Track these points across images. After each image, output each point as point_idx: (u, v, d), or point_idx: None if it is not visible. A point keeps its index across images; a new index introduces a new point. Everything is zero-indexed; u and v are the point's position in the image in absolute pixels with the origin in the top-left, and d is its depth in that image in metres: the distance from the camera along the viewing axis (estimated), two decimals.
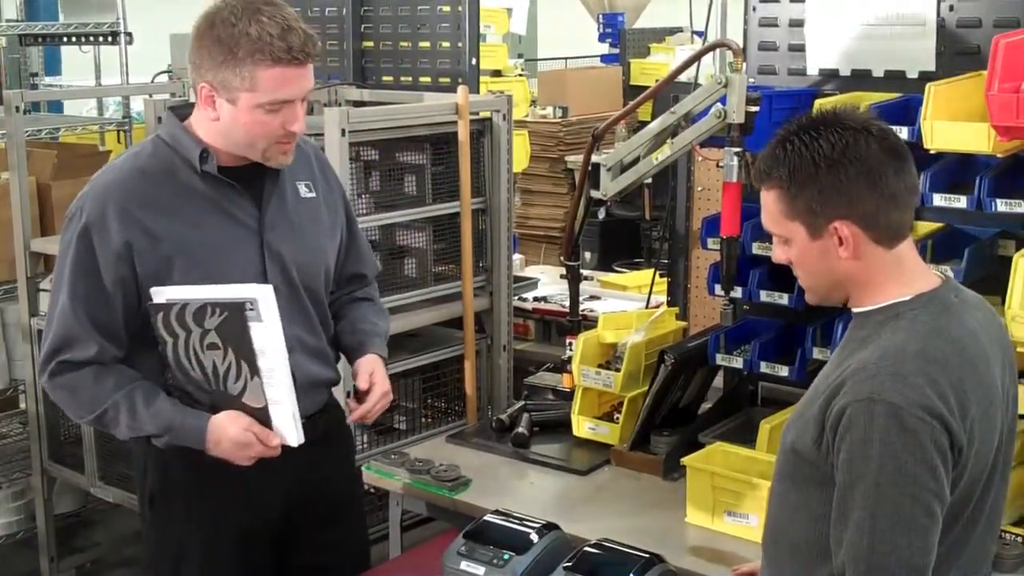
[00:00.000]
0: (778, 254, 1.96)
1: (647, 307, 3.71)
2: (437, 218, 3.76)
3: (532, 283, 4.63)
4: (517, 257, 4.80)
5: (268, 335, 2.26)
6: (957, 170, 2.82)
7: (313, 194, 2.54)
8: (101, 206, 2.34)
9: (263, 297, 2.25)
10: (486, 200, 3.86)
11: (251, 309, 2.24)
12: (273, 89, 2.29)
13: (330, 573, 2.66)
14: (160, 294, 2.32)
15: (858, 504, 1.78)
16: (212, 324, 2.27)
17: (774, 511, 2.01)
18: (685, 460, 2.79)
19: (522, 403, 3.47)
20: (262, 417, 2.33)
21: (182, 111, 2.45)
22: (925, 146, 2.70)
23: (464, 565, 2.44)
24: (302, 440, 2.34)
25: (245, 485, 2.45)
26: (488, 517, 2.58)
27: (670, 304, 3.63)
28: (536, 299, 4.61)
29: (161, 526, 2.55)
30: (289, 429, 2.33)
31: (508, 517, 2.56)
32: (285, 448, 2.37)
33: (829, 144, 1.82)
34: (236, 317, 2.25)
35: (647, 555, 2.38)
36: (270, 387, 2.30)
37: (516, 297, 4.23)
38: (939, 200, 2.72)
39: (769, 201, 1.90)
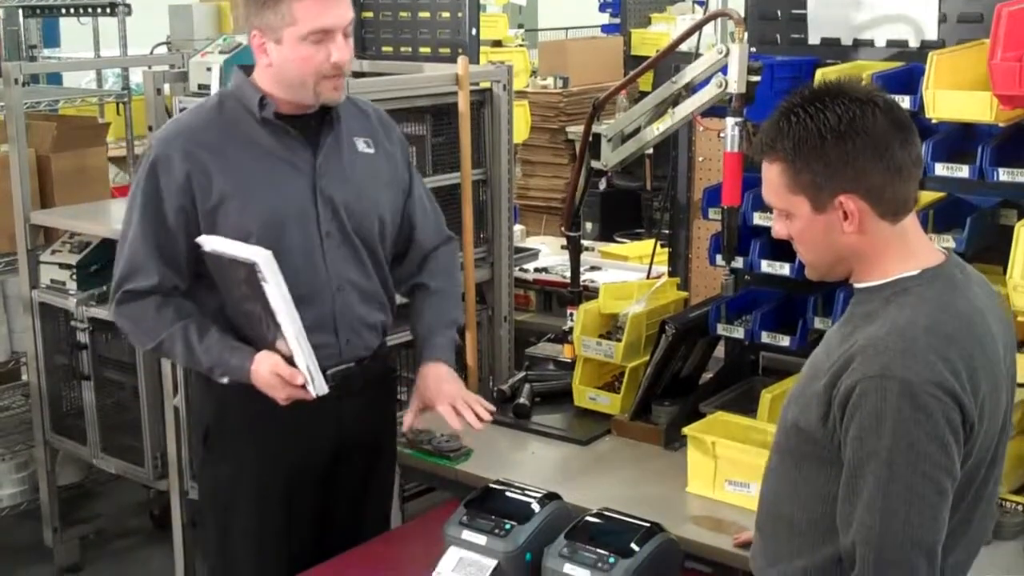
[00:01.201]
0: (778, 229, 1.93)
1: (648, 277, 3.71)
2: (437, 189, 3.73)
3: (533, 254, 4.63)
4: (518, 228, 4.80)
5: (277, 295, 2.37)
6: (959, 139, 2.81)
7: (371, 150, 2.67)
8: (167, 145, 2.51)
9: (263, 261, 2.34)
10: (486, 171, 3.86)
11: (259, 271, 2.35)
12: (312, 19, 2.43)
13: (361, 521, 2.77)
14: (206, 243, 2.46)
15: (869, 482, 1.77)
16: (241, 277, 2.41)
17: (773, 487, 2.00)
18: (686, 430, 2.80)
19: (523, 374, 3.47)
20: (291, 362, 2.44)
21: (249, 69, 2.59)
22: (927, 115, 2.69)
23: (466, 535, 2.44)
24: (324, 391, 2.44)
25: (296, 425, 2.57)
26: (489, 487, 2.59)
27: (671, 274, 3.63)
28: (537, 270, 4.62)
29: (214, 463, 2.68)
30: (310, 379, 2.43)
31: (509, 487, 2.56)
32: (330, 385, 2.48)
33: (835, 116, 1.80)
34: (251, 275, 2.37)
35: (647, 524, 2.38)
36: (289, 340, 2.40)
37: (517, 268, 4.23)
38: (941, 170, 2.72)
39: (772, 174, 1.87)
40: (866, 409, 1.76)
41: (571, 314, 3.41)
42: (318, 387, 2.43)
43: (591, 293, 3.70)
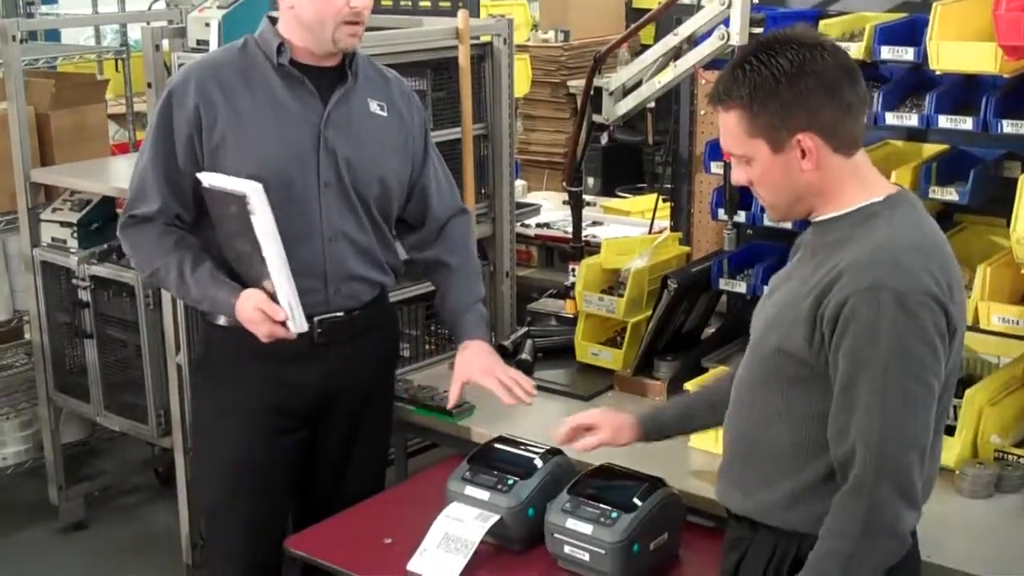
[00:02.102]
0: (738, 175, 2.00)
1: (650, 232, 3.69)
2: (439, 144, 3.70)
3: (534, 209, 4.62)
4: (519, 183, 4.78)
5: (264, 228, 2.42)
6: (963, 91, 2.80)
7: (384, 114, 2.72)
8: (185, 77, 2.61)
9: (252, 193, 2.40)
10: (487, 126, 3.83)
11: (248, 203, 2.40)
12: None
13: (348, 467, 2.82)
14: (205, 178, 2.52)
15: (865, 389, 1.85)
16: (233, 211, 2.46)
17: (748, 421, 2.06)
18: (688, 385, 2.80)
19: (525, 329, 3.48)
20: (274, 299, 2.50)
21: (276, 19, 2.66)
22: (931, 67, 2.68)
23: (468, 490, 2.46)
24: (303, 328, 2.50)
25: (279, 368, 2.65)
26: (491, 442, 2.60)
27: (673, 229, 3.62)
28: (539, 225, 4.61)
29: (201, 396, 2.85)
30: (291, 316, 2.48)
31: (512, 442, 2.57)
32: (307, 336, 2.56)
33: (787, 60, 1.89)
34: (241, 208, 2.42)
35: (650, 479, 2.40)
36: (273, 276, 2.45)
37: (518, 223, 4.21)
38: (944, 122, 2.70)
39: (730, 122, 1.94)
40: (860, 321, 1.84)
41: (573, 269, 3.41)
42: (298, 324, 2.48)
43: (593, 248, 3.69)
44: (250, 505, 2.71)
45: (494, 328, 3.89)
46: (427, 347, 3.84)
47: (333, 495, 2.79)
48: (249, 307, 2.51)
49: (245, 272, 2.56)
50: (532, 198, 5.06)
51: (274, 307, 2.48)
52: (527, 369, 3.25)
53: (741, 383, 2.09)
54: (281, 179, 2.54)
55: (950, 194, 2.75)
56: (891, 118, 2.79)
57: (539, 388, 3.14)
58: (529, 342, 3.37)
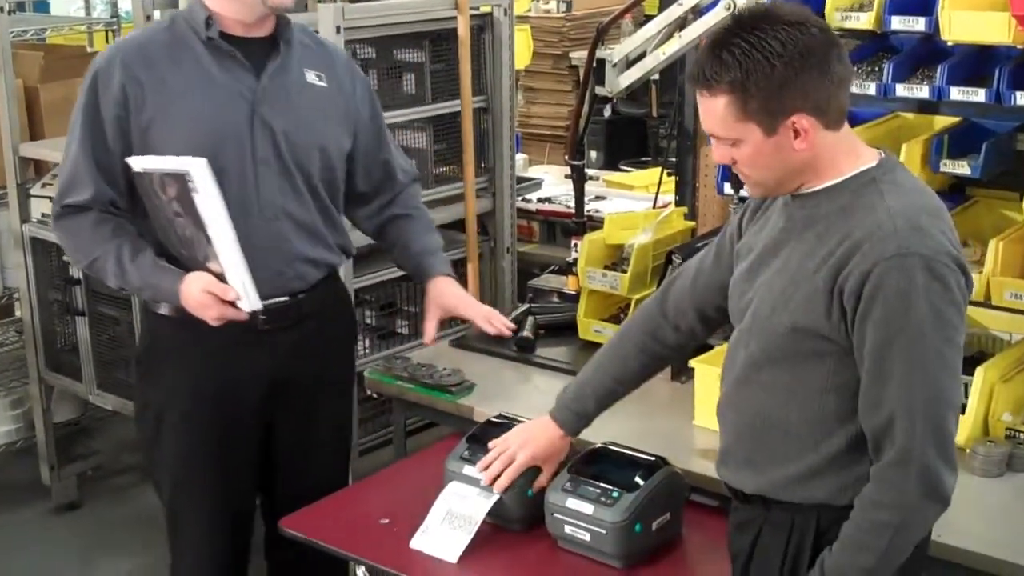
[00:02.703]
0: (722, 155, 1.98)
1: (654, 207, 3.69)
2: (437, 118, 3.73)
3: (536, 183, 4.61)
4: (520, 157, 4.77)
5: (210, 205, 2.38)
6: (975, 62, 2.78)
7: (323, 84, 2.66)
8: (110, 59, 2.54)
9: (196, 169, 2.36)
10: (488, 98, 3.83)
11: (191, 181, 2.36)
12: None
13: (311, 453, 2.78)
14: (136, 163, 2.47)
15: (901, 358, 1.86)
16: (172, 194, 2.41)
17: (755, 402, 2.06)
18: (693, 362, 2.80)
19: (526, 306, 3.47)
20: (222, 280, 2.46)
21: None
22: (943, 37, 2.66)
23: (467, 469, 2.46)
24: (256, 306, 2.46)
25: (224, 356, 2.61)
26: (491, 421, 2.60)
27: (678, 203, 3.62)
28: (540, 200, 4.61)
29: (144, 386, 2.75)
30: (243, 294, 2.44)
31: (512, 421, 2.57)
32: (260, 318, 2.53)
33: (778, 41, 1.86)
34: (183, 188, 2.38)
35: (652, 458, 2.40)
36: (221, 254, 2.41)
37: (519, 198, 4.22)
38: (956, 94, 2.69)
39: (718, 107, 1.92)
40: (889, 289, 1.85)
41: (575, 245, 3.41)
42: (252, 302, 2.44)
43: (596, 223, 3.68)
44: (208, 498, 2.69)
45: (494, 304, 3.89)
46: None
47: (297, 483, 2.76)
48: (196, 290, 2.45)
49: (188, 256, 2.50)
50: (533, 172, 5.07)
51: (223, 287, 2.43)
52: (528, 346, 3.25)
53: (744, 363, 2.07)
54: (216, 159, 2.46)
55: (962, 167, 2.74)
56: (901, 90, 2.78)
57: (541, 366, 3.17)
58: (530, 319, 3.36)
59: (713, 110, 1.93)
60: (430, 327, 2.80)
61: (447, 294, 2.80)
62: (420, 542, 2.38)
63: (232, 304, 2.44)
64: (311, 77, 2.63)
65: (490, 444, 2.45)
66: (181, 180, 2.37)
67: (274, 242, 2.59)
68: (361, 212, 2.87)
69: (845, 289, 1.89)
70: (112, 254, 2.53)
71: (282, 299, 2.62)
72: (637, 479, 2.32)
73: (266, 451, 2.76)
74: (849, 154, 1.97)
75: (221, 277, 2.44)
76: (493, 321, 2.78)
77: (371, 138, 2.78)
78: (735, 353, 2.11)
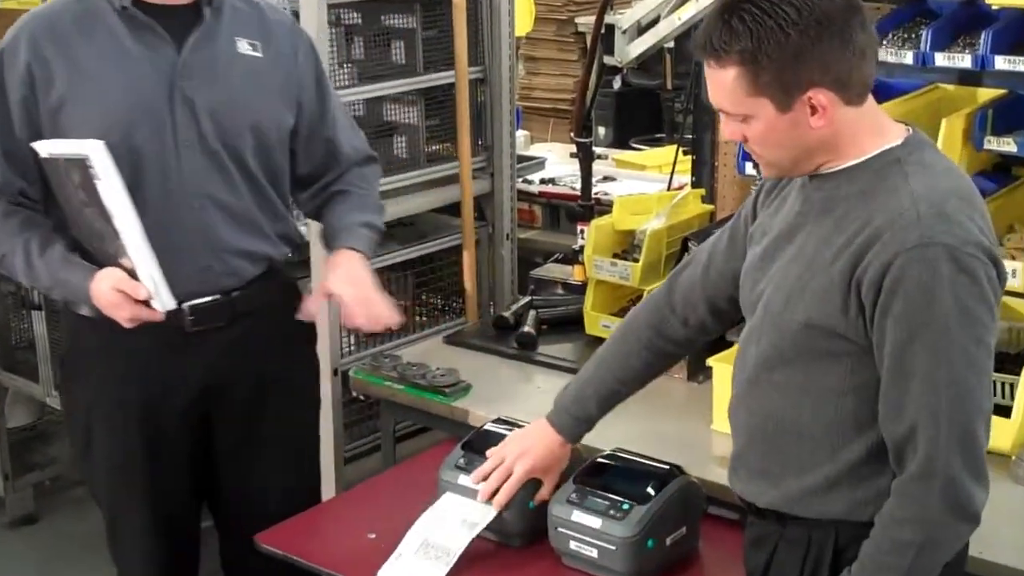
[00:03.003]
0: (731, 131, 1.98)
1: (669, 189, 3.69)
2: (429, 90, 3.72)
3: (538, 163, 4.62)
4: (521, 134, 4.77)
5: (112, 193, 2.36)
6: (1023, 28, 2.78)
7: (258, 54, 2.60)
8: (16, 34, 2.51)
9: (94, 152, 2.33)
10: (485, 69, 3.82)
11: (91, 166, 2.34)
12: None
13: (256, 461, 2.76)
14: (41, 148, 2.44)
15: (923, 359, 1.84)
16: (76, 181, 2.39)
17: (766, 405, 2.06)
18: (711, 360, 2.81)
19: (528, 299, 3.48)
20: (134, 277, 2.43)
21: None
22: (987, 0, 2.66)
23: (462, 479, 2.45)
24: (170, 306, 2.42)
25: (150, 359, 2.59)
26: (489, 426, 2.60)
27: (695, 185, 3.61)
28: (543, 181, 4.61)
29: (69, 392, 2.77)
30: (155, 292, 2.41)
31: (511, 426, 2.57)
32: (188, 319, 2.53)
33: (793, 9, 1.85)
34: (84, 174, 2.35)
35: (667, 466, 2.40)
36: (129, 248, 2.39)
37: (520, 179, 4.21)
38: (1002, 63, 2.69)
39: (727, 79, 1.90)
40: (910, 282, 1.83)
41: (582, 231, 3.42)
42: (164, 301, 2.41)
43: (604, 207, 3.68)
44: (146, 506, 2.69)
45: (492, 298, 3.91)
46: (418, 319, 3.85)
47: (242, 492, 2.76)
48: (106, 288, 2.42)
49: (100, 250, 2.47)
50: (535, 151, 5.06)
51: (134, 285, 2.40)
52: (529, 343, 3.26)
53: (755, 362, 2.07)
54: (132, 141, 2.45)
55: (1007, 145, 2.74)
56: (941, 59, 2.78)
57: (544, 365, 3.18)
58: (532, 313, 3.37)
59: (721, 83, 1.91)
60: (311, 304, 2.65)
61: (336, 272, 2.61)
62: (391, 570, 2.36)
63: (146, 303, 2.41)
64: (243, 46, 2.58)
65: (488, 453, 2.45)
66: (82, 166, 2.34)
67: (201, 233, 2.55)
68: (303, 195, 2.80)
69: (863, 282, 1.88)
70: (20, 248, 2.50)
71: (212, 297, 2.59)
72: (649, 490, 2.32)
73: (204, 461, 2.76)
74: (872, 131, 1.96)
75: (133, 273, 2.41)
76: (370, 308, 2.57)
77: (314, 113, 2.72)
78: (746, 350, 2.10)
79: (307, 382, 2.90)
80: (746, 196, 3.28)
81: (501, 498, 2.39)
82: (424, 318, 3.85)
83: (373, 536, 2.51)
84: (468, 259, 3.79)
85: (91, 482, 2.79)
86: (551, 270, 3.61)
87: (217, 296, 2.60)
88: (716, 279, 2.25)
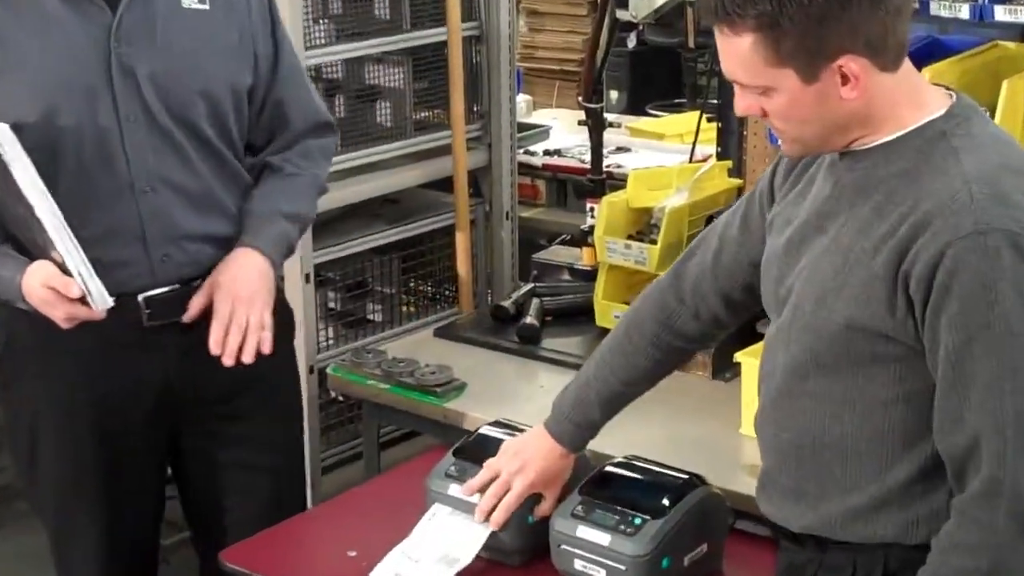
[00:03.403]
0: (746, 105, 1.95)
1: (691, 160, 3.70)
2: (418, 49, 3.72)
3: (542, 132, 4.63)
4: (522, 99, 4.78)
5: (26, 181, 2.36)
6: None
7: (204, 6, 2.59)
8: None
9: (0, 138, 2.33)
10: (481, 25, 3.82)
11: (0, 151, 2.34)
12: None
13: (227, 474, 2.77)
14: None
15: (985, 363, 1.82)
16: None
17: (801, 418, 2.04)
18: (739, 355, 2.81)
19: (530, 286, 3.48)
20: (66, 272, 2.42)
21: None
22: None
23: (453, 490, 2.46)
24: (106, 304, 2.41)
25: (100, 362, 2.59)
26: (485, 430, 2.60)
27: (720, 157, 3.61)
28: (547, 153, 4.62)
29: (9, 396, 2.74)
30: (86, 290, 2.40)
31: (510, 430, 2.57)
32: (133, 319, 2.53)
33: None
34: None
35: (686, 476, 2.39)
36: (54, 241, 2.38)
37: (521, 150, 4.23)
38: None
39: (743, 48, 1.89)
40: (966, 276, 1.81)
41: (591, 209, 3.42)
42: (97, 299, 2.40)
43: (617, 182, 3.69)
44: (97, 532, 2.70)
45: (489, 285, 3.91)
46: (405, 309, 3.86)
47: (226, 513, 2.77)
48: (36, 285, 2.42)
49: (31, 242, 2.47)
50: (539, 118, 5.08)
51: (65, 281, 2.39)
52: (532, 336, 3.25)
53: (785, 369, 2.05)
54: (65, 119, 2.44)
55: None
56: (1001, 13, 2.78)
57: (548, 361, 3.18)
58: (535, 302, 3.37)
59: (737, 52, 1.89)
60: (194, 304, 2.59)
61: (221, 274, 2.59)
62: None
63: (83, 300, 2.40)
64: (188, 0, 2.58)
65: (486, 464, 2.44)
66: None
67: (154, 220, 2.55)
68: (248, 162, 2.76)
69: (912, 277, 1.85)
70: None
71: (170, 287, 2.59)
72: (665, 501, 2.32)
73: (177, 469, 2.77)
74: (911, 100, 1.94)
75: (64, 267, 2.41)
76: (232, 332, 2.53)
77: (265, 69, 2.70)
78: (773, 355, 2.09)
79: (285, 382, 2.90)
80: None
81: (499, 517, 2.39)
82: (412, 308, 3.86)
83: (353, 555, 2.51)
84: (462, 241, 3.80)
85: (35, 499, 2.80)
86: (556, 253, 3.61)
87: (176, 286, 2.59)
88: (729, 267, 2.24)
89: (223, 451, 2.75)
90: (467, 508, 2.43)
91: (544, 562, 2.39)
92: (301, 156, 2.77)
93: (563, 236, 3.78)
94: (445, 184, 3.82)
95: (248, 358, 2.54)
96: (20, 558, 4.21)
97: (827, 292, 1.96)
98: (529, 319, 3.30)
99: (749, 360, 2.76)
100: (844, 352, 1.96)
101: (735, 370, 2.88)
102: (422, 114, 3.82)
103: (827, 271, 1.96)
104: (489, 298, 3.85)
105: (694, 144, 3.75)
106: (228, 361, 2.53)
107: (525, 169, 4.34)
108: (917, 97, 1.94)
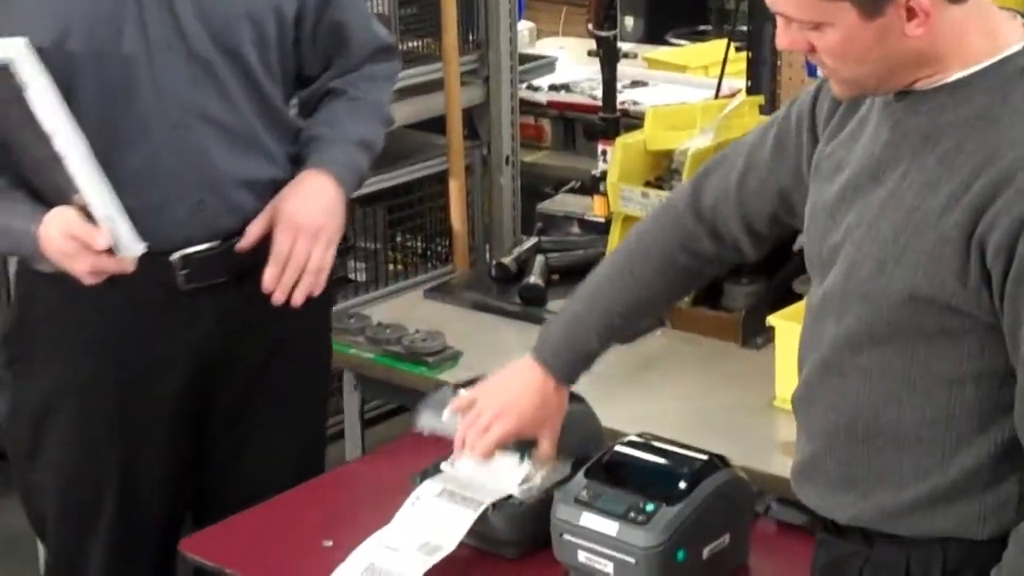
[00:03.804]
0: (790, 40, 1.94)
1: (717, 96, 3.69)
2: None
3: (547, 64, 4.62)
4: (524, 26, 4.78)
5: (45, 107, 2.35)
6: None
7: None
8: None
9: (16, 55, 2.33)
10: None
11: (15, 73, 2.33)
12: None
13: (259, 467, 2.79)
14: None
15: None
16: (5, 95, 2.37)
17: (854, 398, 2.03)
18: (773, 318, 2.82)
19: (534, 240, 3.49)
20: (90, 218, 2.41)
21: None
22: None
23: (442, 471, 2.47)
24: (137, 251, 2.42)
25: (131, 332, 2.59)
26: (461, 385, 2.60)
27: (751, 91, 3.62)
28: (553, 88, 4.62)
29: (16, 378, 2.72)
30: (116, 234, 2.40)
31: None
32: (166, 280, 2.53)
33: None
34: (10, 86, 2.34)
35: (705, 456, 2.38)
36: (76, 179, 2.38)
37: (523, 85, 4.23)
38: None
39: None
40: None
41: (604, 152, 3.42)
42: (125, 246, 2.40)
43: (633, 120, 3.69)
44: (105, 532, 2.70)
45: (488, 240, 3.91)
46: (391, 267, 3.87)
47: (245, 499, 2.75)
48: (55, 234, 2.41)
49: (49, 185, 2.46)
50: (543, 48, 5.09)
51: (90, 229, 2.39)
52: (536, 298, 3.26)
53: (834, 341, 2.04)
54: (90, 48, 2.44)
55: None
56: None
57: None
58: (540, 259, 3.38)
59: None
60: (251, 231, 2.61)
61: (286, 200, 2.60)
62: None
63: (108, 252, 2.40)
64: None
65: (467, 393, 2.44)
66: (5, 75, 2.33)
67: (189, 161, 2.55)
68: (302, 94, 2.81)
69: (988, 243, 1.83)
70: None
71: (209, 244, 2.59)
72: (682, 485, 2.31)
73: (197, 461, 2.77)
74: (984, 31, 1.90)
75: (88, 213, 2.40)
76: (283, 278, 2.56)
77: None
78: (819, 324, 2.07)
79: (321, 352, 2.93)
80: None
81: (481, 451, 2.39)
82: (400, 266, 3.87)
83: (329, 544, 2.51)
84: (456, 189, 3.81)
85: (34, 501, 2.78)
86: (564, 203, 3.62)
87: (215, 242, 2.59)
88: (755, 194, 2.23)
89: (249, 424, 2.77)
90: (461, 500, 2.44)
91: (543, 554, 2.39)
92: (366, 80, 2.79)
93: (571, 183, 3.78)
94: (436, 124, 3.83)
95: (299, 299, 2.57)
96: None
97: (887, 257, 1.94)
98: (533, 278, 3.31)
99: (785, 324, 2.77)
100: (905, 325, 1.95)
101: (768, 335, 2.89)
102: (410, 44, 3.83)
103: (887, 232, 1.94)
104: (487, 255, 3.85)
105: (721, 77, 3.76)
106: (280, 298, 2.55)
107: (527, 107, 4.34)
108: (989, 27, 1.91)
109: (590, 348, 2.36)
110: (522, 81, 4.12)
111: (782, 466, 2.46)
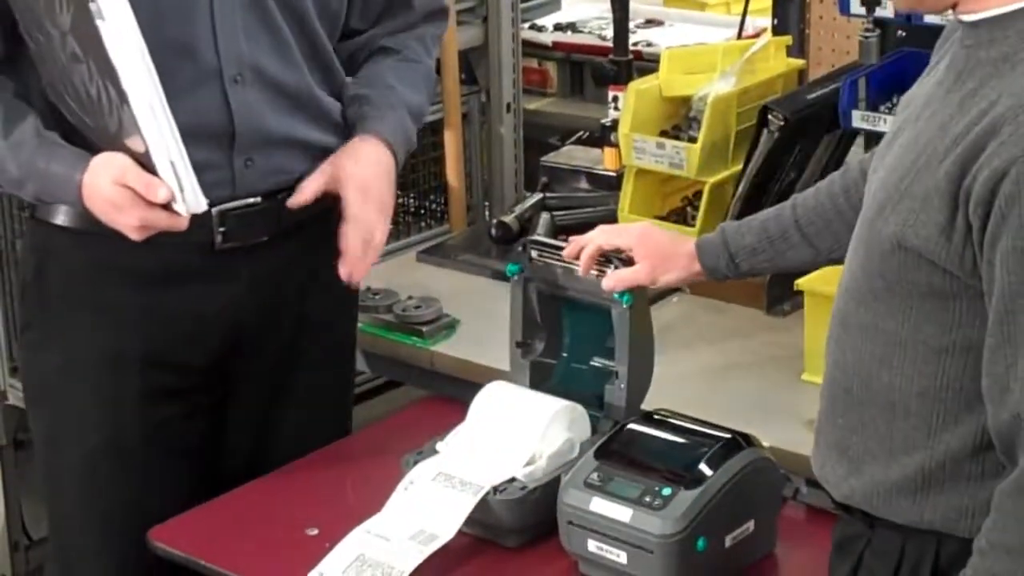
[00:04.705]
0: None
1: (739, 37, 3.69)
2: None
3: (552, 2, 4.61)
4: None
5: (122, 43, 2.33)
6: None
7: None
8: None
9: None
10: None
11: (93, 1, 2.31)
12: None
13: (283, 448, 2.82)
14: None
15: None
16: (67, 24, 2.36)
17: (852, 354, 2.07)
18: (801, 282, 2.83)
19: (539, 196, 3.49)
20: (146, 166, 2.41)
21: None
22: None
23: (438, 451, 2.50)
24: (202, 206, 2.43)
25: (159, 294, 2.63)
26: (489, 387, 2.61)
27: (776, 31, 3.61)
28: (559, 27, 4.62)
29: (35, 345, 2.76)
30: (177, 187, 2.39)
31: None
32: (202, 240, 2.55)
33: None
34: (82, 12, 2.32)
35: (728, 435, 2.40)
36: (143, 123, 2.36)
37: (526, 25, 4.24)
38: None
39: None
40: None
41: (615, 99, 3.42)
42: (191, 201, 2.40)
43: (647, 64, 3.69)
44: (118, 509, 2.72)
45: (487, 196, 3.92)
46: None
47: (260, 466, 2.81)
48: (106, 183, 2.41)
49: (96, 127, 2.46)
50: None
51: (147, 179, 2.38)
52: None
53: (846, 286, 2.08)
54: None
55: None
56: None
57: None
58: (544, 216, 3.38)
59: None
60: (307, 187, 2.66)
61: (345, 163, 2.67)
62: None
63: (164, 206, 2.40)
64: None
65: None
66: (80, 2, 2.31)
67: (240, 116, 2.59)
68: (346, 46, 2.84)
69: (972, 193, 1.84)
70: None
71: (252, 200, 2.62)
72: (703, 467, 2.33)
73: (210, 435, 2.80)
74: None
75: (141, 159, 2.40)
76: (349, 254, 2.63)
77: None
78: (847, 265, 2.11)
79: (349, 327, 2.97)
80: (853, 46, 3.29)
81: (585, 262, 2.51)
82: (391, 225, 3.86)
83: (314, 533, 2.53)
84: (452, 140, 3.81)
85: (47, 472, 2.81)
86: (571, 155, 3.62)
87: (257, 199, 2.62)
88: None
89: (276, 403, 2.81)
90: (456, 483, 2.45)
91: (549, 543, 2.41)
92: (418, 41, 2.87)
93: (579, 134, 3.77)
94: None
95: (359, 276, 2.66)
96: None
97: (888, 200, 1.97)
98: (538, 238, 3.31)
99: (815, 288, 2.77)
100: (896, 278, 1.98)
101: (795, 301, 2.90)
102: None
103: (898, 174, 1.98)
104: (487, 213, 3.85)
105: (743, 15, 3.75)
106: (357, 278, 2.65)
107: (530, 49, 4.34)
108: None
109: (743, 243, 2.45)
110: (524, 20, 4.11)
111: (808, 444, 2.49)
